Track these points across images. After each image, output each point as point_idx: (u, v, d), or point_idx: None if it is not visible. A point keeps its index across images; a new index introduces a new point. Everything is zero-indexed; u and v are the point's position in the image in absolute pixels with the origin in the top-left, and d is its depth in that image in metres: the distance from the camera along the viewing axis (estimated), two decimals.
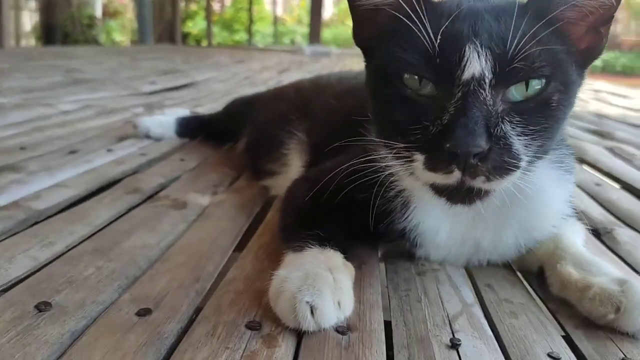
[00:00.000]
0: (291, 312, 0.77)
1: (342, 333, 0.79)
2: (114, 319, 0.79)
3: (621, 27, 18.64)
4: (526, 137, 0.80)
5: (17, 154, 1.71)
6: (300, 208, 1.07)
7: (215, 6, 21.84)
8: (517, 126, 0.80)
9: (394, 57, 0.84)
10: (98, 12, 15.51)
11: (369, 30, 0.93)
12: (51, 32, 11.85)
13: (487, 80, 0.78)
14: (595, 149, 2.31)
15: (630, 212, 1.51)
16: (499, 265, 1.08)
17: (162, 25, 15.22)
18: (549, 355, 0.78)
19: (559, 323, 0.89)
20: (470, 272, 1.06)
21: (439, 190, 0.85)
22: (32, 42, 12.49)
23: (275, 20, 22.53)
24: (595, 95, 5.10)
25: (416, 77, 0.83)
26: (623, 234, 1.33)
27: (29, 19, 13.66)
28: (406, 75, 0.83)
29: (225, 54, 9.98)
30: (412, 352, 0.76)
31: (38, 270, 0.93)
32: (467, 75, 0.78)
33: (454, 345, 0.78)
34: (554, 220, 1.03)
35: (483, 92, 0.78)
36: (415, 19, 0.81)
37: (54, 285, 0.86)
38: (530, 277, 1.05)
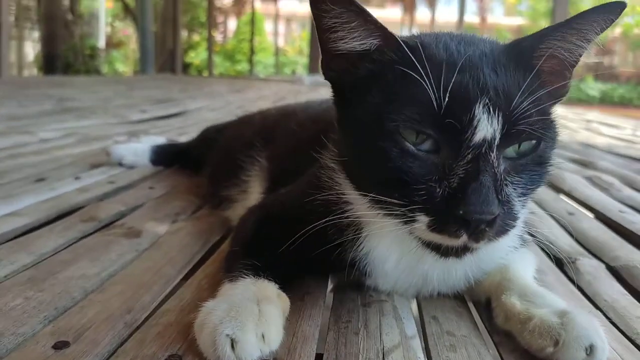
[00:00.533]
0: (212, 345, 0.74)
1: None
2: (29, 352, 0.76)
3: (619, 58, 18.83)
4: (524, 197, 0.80)
5: None
6: (245, 237, 1.04)
7: (218, 37, 22.17)
8: (517, 187, 0.79)
9: (388, 108, 0.79)
10: (101, 43, 15.74)
11: (343, 63, 0.87)
12: (52, 63, 12.01)
13: (495, 143, 0.77)
14: (574, 178, 2.28)
15: (597, 241, 1.48)
16: (450, 297, 1.05)
17: (164, 56, 15.44)
18: None
19: (500, 356, 0.86)
20: (420, 303, 1.03)
21: (434, 247, 0.83)
22: (34, 72, 12.64)
23: (277, 51, 22.82)
24: (587, 125, 5.11)
25: (416, 133, 0.78)
26: (587, 264, 1.30)
27: (32, 50, 13.86)
28: (402, 131, 0.78)
29: (224, 84, 10.07)
30: None
31: None
32: (478, 138, 0.76)
33: None
34: (501, 251, 1.00)
35: (492, 154, 0.77)
36: (419, 69, 0.77)
37: None
38: (480, 308, 1.02)
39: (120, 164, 2.06)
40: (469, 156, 0.76)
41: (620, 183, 2.26)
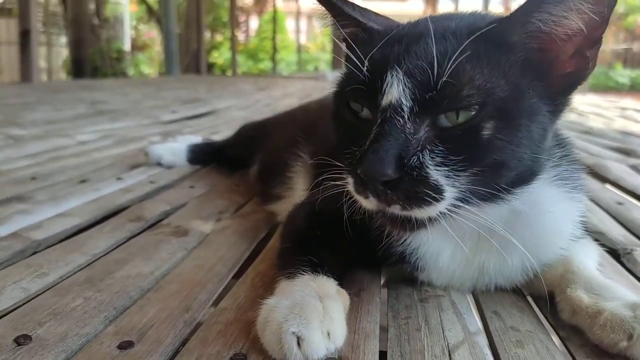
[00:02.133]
0: (277, 344, 0.73)
1: None
2: (95, 352, 0.76)
3: None
4: (446, 168, 0.76)
5: (28, 184, 1.73)
6: (296, 234, 1.03)
7: (240, 36, 22.25)
8: (437, 156, 0.76)
9: (341, 82, 0.89)
10: (127, 46, 15.95)
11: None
12: (80, 67, 12.19)
13: (404, 108, 0.76)
14: (618, 167, 2.22)
15: None
16: (508, 291, 1.02)
17: (189, 57, 15.55)
18: None
19: (569, 352, 0.83)
20: (477, 298, 1.01)
21: (377, 215, 0.83)
22: (63, 76, 12.87)
23: (299, 49, 22.80)
24: (622, 113, 5.00)
25: (357, 103, 0.84)
26: None
27: (61, 55, 14.10)
28: (350, 103, 0.85)
29: (248, 82, 10.12)
30: None
31: (26, 302, 0.91)
32: (384, 101, 0.77)
33: None
34: (562, 241, 0.97)
35: (401, 119, 0.76)
36: (354, 47, 0.83)
37: (38, 318, 0.84)
38: (541, 302, 0.99)
39: (159, 164, 2.07)
40: (379, 120, 0.77)
41: None
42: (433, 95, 0.75)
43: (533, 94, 0.79)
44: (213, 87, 8.36)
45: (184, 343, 0.80)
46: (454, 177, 0.77)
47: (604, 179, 2.10)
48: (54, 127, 3.20)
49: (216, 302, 0.95)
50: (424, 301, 0.97)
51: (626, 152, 2.70)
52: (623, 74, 16.31)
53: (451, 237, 0.91)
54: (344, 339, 0.79)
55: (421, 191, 0.75)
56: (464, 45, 0.76)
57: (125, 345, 0.77)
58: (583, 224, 1.02)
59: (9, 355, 0.73)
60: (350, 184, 0.81)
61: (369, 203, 0.80)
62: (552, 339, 0.86)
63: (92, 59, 12.66)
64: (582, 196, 1.00)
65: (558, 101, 0.83)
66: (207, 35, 18.43)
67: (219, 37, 21.09)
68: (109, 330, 0.82)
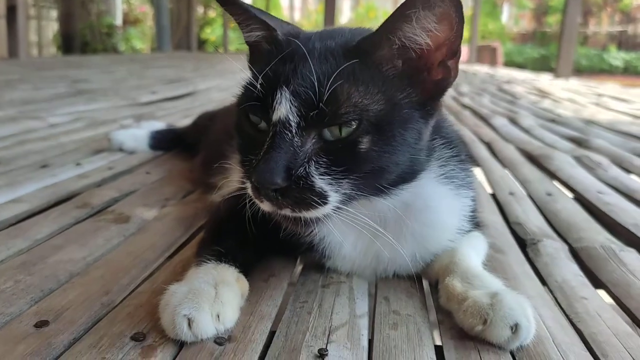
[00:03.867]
0: (171, 324, 0.84)
1: (220, 344, 0.85)
2: (14, 329, 0.86)
3: None
4: (329, 177, 0.86)
5: None
6: (213, 225, 1.14)
7: None
8: (321, 167, 0.86)
9: (241, 96, 0.95)
10: (118, 21, 15.80)
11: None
12: (70, 41, 12.14)
13: (292, 124, 0.85)
14: (562, 158, 2.33)
15: (567, 222, 1.55)
16: (405, 278, 1.13)
17: (180, 32, 15.47)
18: None
19: (440, 333, 0.94)
20: (377, 284, 1.12)
21: (274, 215, 0.92)
22: (53, 50, 12.79)
23: None
24: (597, 100, 5.08)
25: (255, 115, 0.92)
26: (549, 245, 1.36)
27: (51, 29, 13.99)
28: (250, 115, 0.93)
29: (238, 60, 10.10)
30: None
31: None
32: (275, 117, 0.86)
33: (321, 355, 0.84)
34: (448, 234, 1.08)
35: (289, 133, 0.85)
36: (252, 62, 0.93)
37: None
38: (433, 289, 1.10)
39: (121, 150, 2.16)
40: (271, 133, 0.86)
41: (609, 162, 2.30)
42: (315, 113, 0.85)
43: (406, 103, 0.89)
44: (200, 66, 8.39)
45: (96, 324, 0.91)
46: (337, 184, 0.87)
47: (545, 170, 2.20)
48: (29, 107, 3.27)
49: (138, 287, 1.06)
50: (325, 287, 1.08)
51: (579, 142, 2.80)
52: (617, 57, 16.32)
53: (352, 228, 1.02)
54: (235, 321, 0.90)
55: (308, 197, 0.86)
56: (341, 67, 0.86)
57: (40, 324, 0.88)
58: (473, 218, 1.13)
59: None
60: (248, 188, 0.91)
61: (264, 206, 0.90)
62: (428, 322, 0.97)
63: (82, 34, 12.59)
64: (469, 192, 1.11)
65: (428, 106, 0.93)
66: (199, 11, 18.28)
67: (212, 13, 20.91)
68: (31, 311, 0.93)
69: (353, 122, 0.85)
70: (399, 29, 0.87)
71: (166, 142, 2.24)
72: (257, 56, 1.00)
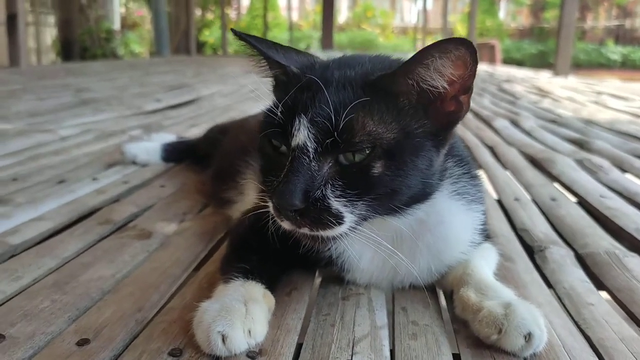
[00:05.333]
0: (206, 340, 0.90)
1: (252, 357, 0.91)
2: (57, 349, 0.92)
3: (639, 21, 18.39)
4: (344, 199, 0.92)
5: (9, 186, 1.87)
6: (236, 241, 1.20)
7: (232, 14, 22.12)
8: (337, 189, 0.92)
9: (263, 121, 1.01)
10: (116, 25, 15.83)
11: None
12: (69, 47, 12.18)
13: (310, 149, 0.91)
14: (564, 161, 2.38)
15: (572, 228, 1.60)
16: (421, 289, 1.18)
17: (179, 36, 15.52)
18: None
19: (456, 342, 1.00)
20: (394, 295, 1.17)
21: (294, 232, 0.98)
22: (52, 57, 12.83)
23: (291, 26, 22.70)
24: (596, 98, 5.14)
25: (277, 140, 0.98)
26: (555, 252, 1.42)
27: (50, 35, 14.03)
28: (272, 139, 0.99)
29: (237, 64, 10.17)
30: None
31: (2, 304, 1.06)
32: (294, 143, 0.92)
33: None
34: (461, 247, 1.14)
35: (307, 158, 0.91)
36: (276, 89, 0.99)
37: (11, 319, 1.00)
38: (447, 299, 1.16)
39: (134, 163, 2.22)
40: (290, 157, 0.92)
41: (610, 165, 2.36)
42: (331, 141, 0.91)
43: (419, 132, 0.95)
44: (201, 71, 8.45)
45: (133, 340, 0.96)
46: (351, 206, 0.93)
47: (548, 174, 2.26)
48: (37, 120, 3.32)
49: (167, 302, 1.11)
50: (345, 299, 1.14)
51: (581, 144, 2.86)
52: (615, 51, 16.40)
53: (370, 242, 1.08)
54: (265, 335, 0.96)
55: (325, 218, 0.92)
56: (358, 99, 0.92)
57: (82, 343, 0.93)
58: (483, 231, 1.19)
59: None
60: (270, 207, 0.97)
61: (285, 224, 0.96)
62: (445, 331, 1.03)
63: (81, 40, 12.64)
64: (480, 207, 1.16)
65: (441, 136, 0.99)
66: (197, 13, 18.33)
67: (210, 16, 20.96)
68: (70, 329, 0.98)
69: (366, 150, 0.91)
70: (416, 73, 0.93)
71: (178, 154, 2.30)
72: (278, 85, 1.06)
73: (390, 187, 0.93)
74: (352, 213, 0.93)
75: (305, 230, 0.94)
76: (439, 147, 0.99)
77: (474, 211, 1.15)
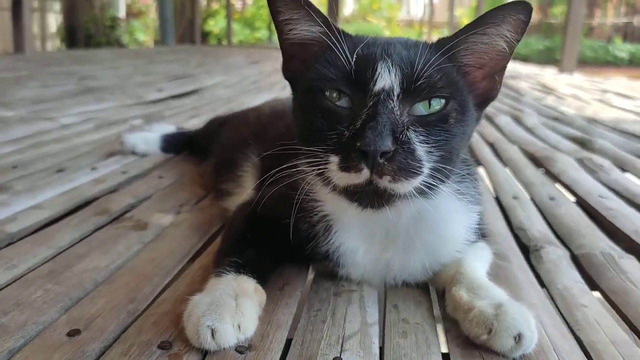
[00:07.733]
0: (196, 334, 0.90)
1: (241, 352, 0.91)
2: (47, 339, 0.92)
3: None
4: (427, 145, 0.92)
5: (8, 173, 1.88)
6: (231, 234, 1.20)
7: (237, 4, 22.04)
8: (420, 135, 0.92)
9: (317, 75, 0.98)
10: (122, 13, 15.80)
11: (296, 64, 1.07)
12: (74, 34, 12.18)
13: (395, 93, 0.92)
14: (565, 160, 2.37)
15: (569, 228, 1.60)
16: (413, 286, 1.18)
17: (184, 25, 15.47)
18: None
19: (446, 341, 1.00)
20: (386, 292, 1.17)
21: (350, 194, 0.95)
22: (57, 43, 12.83)
23: None
24: (601, 96, 5.10)
25: (335, 91, 0.96)
26: (551, 252, 1.41)
27: (55, 21, 14.02)
28: (327, 92, 0.96)
29: (242, 54, 10.16)
30: None
31: None
32: (378, 87, 0.92)
33: None
34: (456, 245, 1.14)
35: (391, 102, 0.92)
36: (336, 44, 0.96)
37: (4, 307, 1.01)
38: (440, 297, 1.16)
39: (133, 153, 2.22)
40: (371, 103, 0.92)
41: (611, 165, 2.34)
42: (416, 85, 0.92)
43: (470, 99, 1.00)
44: (205, 61, 8.42)
45: (124, 331, 0.97)
46: (430, 154, 0.93)
47: (549, 173, 2.25)
48: (40, 107, 3.33)
49: (160, 295, 1.11)
50: (337, 295, 1.14)
51: (583, 143, 2.84)
52: (622, 49, 16.28)
53: (365, 237, 1.09)
54: (255, 330, 0.96)
55: (410, 164, 0.90)
56: (428, 54, 0.95)
57: (73, 333, 0.93)
58: (479, 230, 1.18)
59: None
60: (333, 162, 0.92)
61: (358, 177, 0.90)
62: (435, 330, 1.03)
63: (86, 27, 12.63)
64: (478, 207, 1.16)
65: (478, 113, 1.03)
66: (202, 3, 18.27)
67: (215, 5, 20.90)
68: (62, 319, 0.98)
69: (445, 97, 0.94)
70: (472, 37, 0.98)
71: (177, 145, 2.30)
72: (307, 52, 1.04)
73: (454, 144, 0.96)
74: (429, 162, 0.93)
75: (384, 181, 0.90)
76: (475, 122, 1.04)
77: (471, 211, 1.15)
